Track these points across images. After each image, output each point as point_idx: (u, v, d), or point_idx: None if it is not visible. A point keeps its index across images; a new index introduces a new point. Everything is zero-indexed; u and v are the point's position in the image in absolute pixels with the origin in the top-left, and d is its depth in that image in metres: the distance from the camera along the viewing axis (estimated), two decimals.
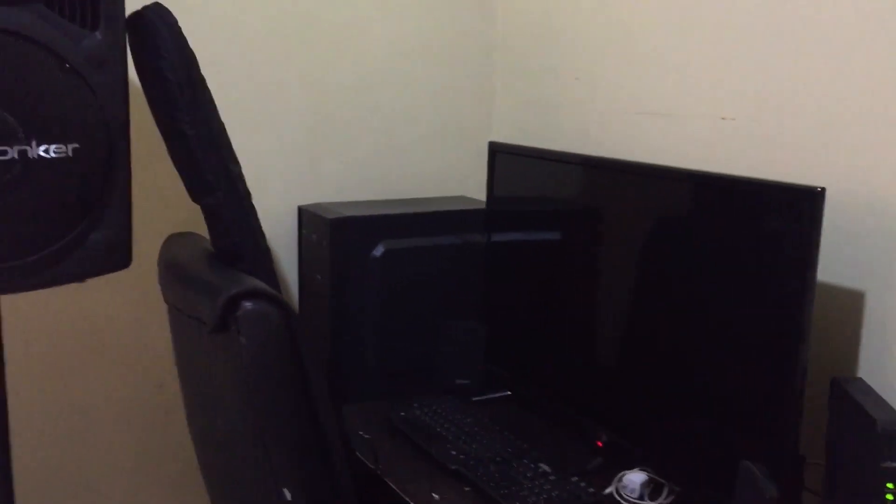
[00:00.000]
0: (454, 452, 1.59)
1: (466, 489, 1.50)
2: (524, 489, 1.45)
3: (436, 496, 1.48)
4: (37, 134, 1.20)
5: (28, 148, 1.19)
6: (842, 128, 1.41)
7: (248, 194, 1.46)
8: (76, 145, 1.24)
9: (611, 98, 1.89)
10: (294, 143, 2.02)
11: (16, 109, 1.18)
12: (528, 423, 1.79)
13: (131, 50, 1.35)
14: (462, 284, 1.98)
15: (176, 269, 1.47)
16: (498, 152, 1.89)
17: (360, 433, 1.72)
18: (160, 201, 1.84)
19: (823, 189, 1.19)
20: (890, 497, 1.12)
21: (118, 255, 1.34)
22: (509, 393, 1.93)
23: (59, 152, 1.22)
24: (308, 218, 1.97)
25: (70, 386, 1.86)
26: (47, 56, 1.21)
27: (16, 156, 1.19)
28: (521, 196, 1.84)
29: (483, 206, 1.97)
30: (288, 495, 1.27)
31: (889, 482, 1.12)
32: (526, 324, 1.85)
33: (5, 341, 1.66)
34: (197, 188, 1.42)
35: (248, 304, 1.23)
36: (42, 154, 1.21)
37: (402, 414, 1.77)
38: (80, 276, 1.32)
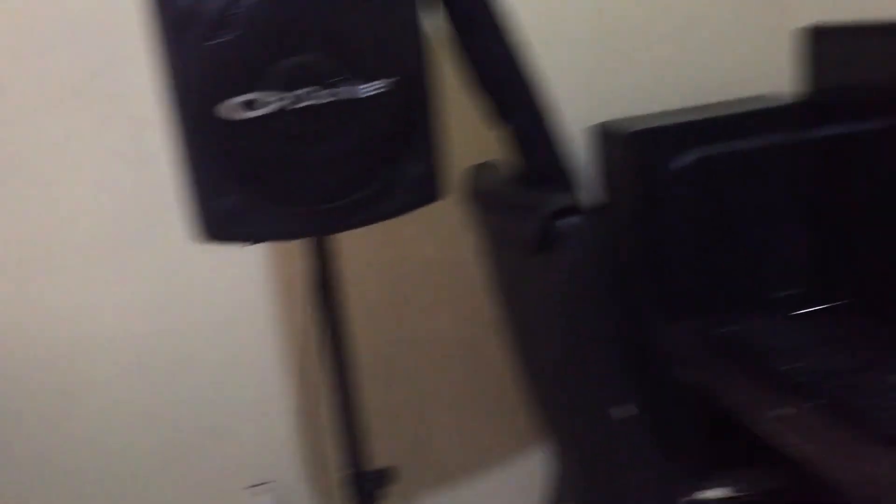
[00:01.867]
0: (785, 367, 1.48)
1: (808, 405, 1.40)
2: (885, 402, 1.31)
3: (778, 412, 1.39)
4: (360, 72, 1.22)
5: (352, 87, 1.22)
6: None
7: (549, 113, 1.43)
8: (395, 79, 1.25)
9: None
10: (580, 60, 1.95)
11: (339, 50, 1.20)
12: (867, 334, 1.63)
13: None
14: (780, 189, 1.82)
15: (486, 197, 1.47)
16: (822, 35, 1.69)
17: (682, 354, 1.66)
18: (459, 133, 1.86)
19: None
20: None
21: (433, 188, 1.35)
22: (842, 303, 1.77)
23: (380, 88, 1.24)
24: (602, 136, 1.90)
25: (399, 323, 1.96)
26: None
27: (343, 96, 1.22)
28: (848, 84, 1.65)
29: (796, 101, 1.79)
30: (618, 414, 1.25)
31: None
32: (858, 226, 1.67)
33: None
34: (500, 112, 1.41)
35: (570, 220, 1.19)
36: (365, 92, 1.23)
37: (724, 330, 1.68)
38: (397, 212, 1.34)
